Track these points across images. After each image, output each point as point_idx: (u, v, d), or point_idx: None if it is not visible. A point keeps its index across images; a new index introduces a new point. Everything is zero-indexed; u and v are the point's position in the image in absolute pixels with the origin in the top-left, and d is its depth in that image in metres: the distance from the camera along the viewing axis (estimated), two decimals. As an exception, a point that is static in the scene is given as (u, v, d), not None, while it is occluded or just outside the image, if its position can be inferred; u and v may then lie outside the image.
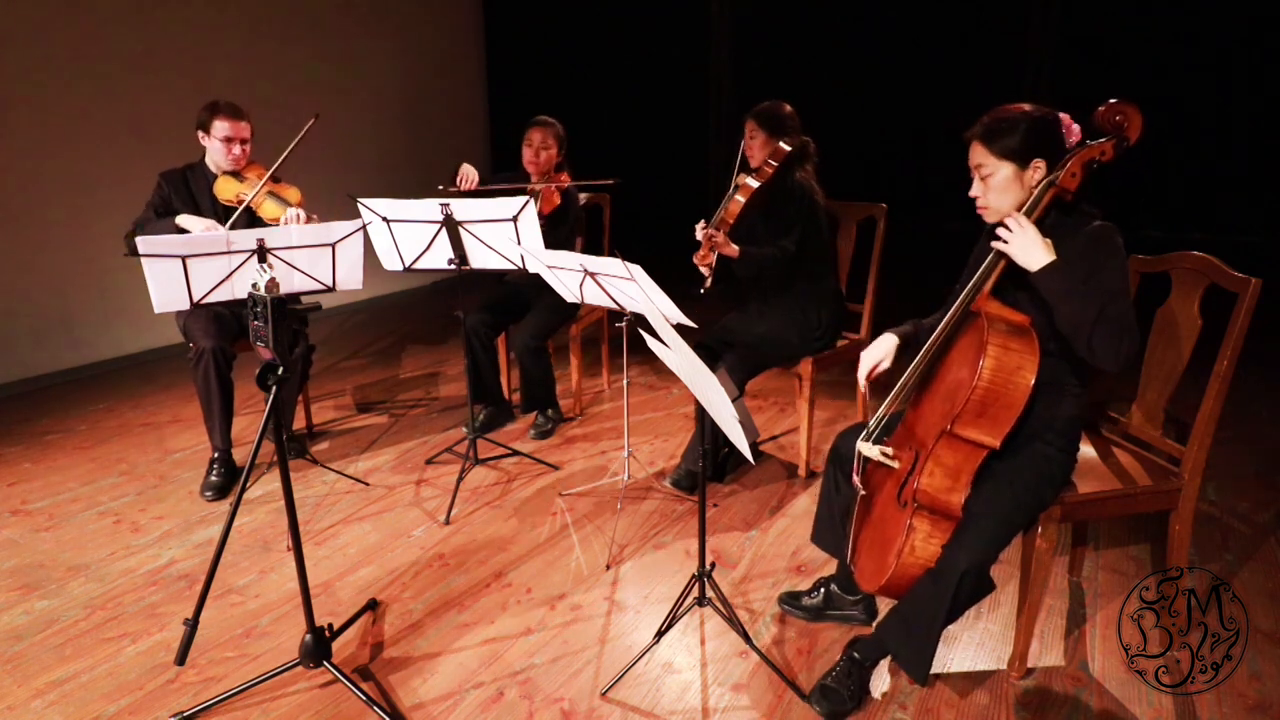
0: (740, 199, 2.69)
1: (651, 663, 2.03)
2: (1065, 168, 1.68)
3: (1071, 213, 1.75)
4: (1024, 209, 1.71)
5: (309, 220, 2.89)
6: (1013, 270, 1.72)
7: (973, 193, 1.81)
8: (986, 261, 1.75)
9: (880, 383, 2.00)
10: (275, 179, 2.99)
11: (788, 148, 2.71)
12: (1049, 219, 1.73)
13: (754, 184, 2.69)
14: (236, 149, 2.94)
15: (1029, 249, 1.66)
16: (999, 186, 1.75)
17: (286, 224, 2.87)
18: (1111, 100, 1.68)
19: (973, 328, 1.69)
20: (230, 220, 2.89)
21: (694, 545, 2.56)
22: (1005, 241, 1.69)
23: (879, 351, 1.96)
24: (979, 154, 1.76)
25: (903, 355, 2.00)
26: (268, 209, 2.92)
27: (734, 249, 2.65)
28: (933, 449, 1.69)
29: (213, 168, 3.01)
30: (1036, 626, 2.12)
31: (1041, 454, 1.79)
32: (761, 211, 2.77)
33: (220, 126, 2.90)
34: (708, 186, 8.08)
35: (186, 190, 2.99)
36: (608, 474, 3.10)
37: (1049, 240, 1.67)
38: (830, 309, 2.93)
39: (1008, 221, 1.69)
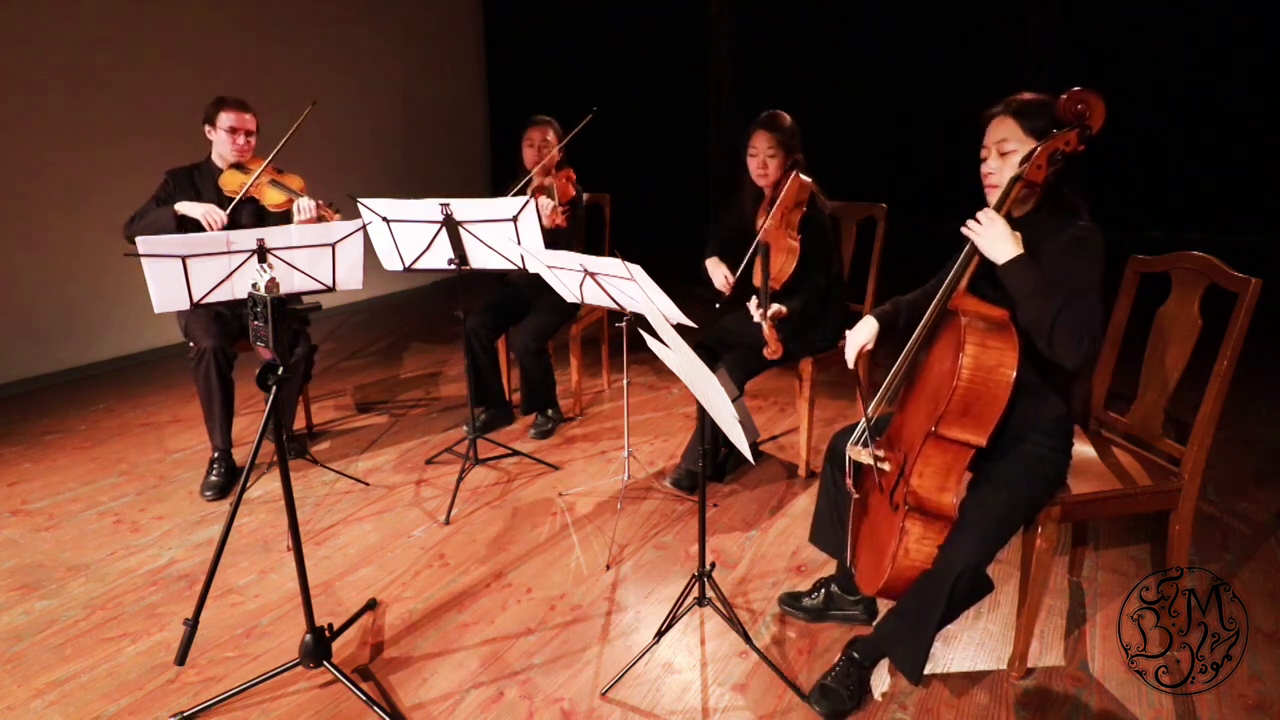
0: (790, 265, 2.67)
1: (651, 663, 2.03)
2: (1031, 160, 1.67)
3: (1057, 211, 1.74)
4: (994, 203, 1.71)
5: (321, 208, 2.93)
6: (988, 266, 1.72)
7: (986, 169, 1.80)
8: (962, 255, 1.75)
9: (871, 383, 2.00)
10: (278, 169, 3.03)
11: (807, 179, 2.72)
12: (1039, 216, 1.72)
13: (796, 244, 2.68)
14: (241, 139, 2.98)
15: (996, 242, 1.66)
16: (1017, 164, 1.74)
17: (299, 211, 2.92)
18: (1074, 89, 1.65)
19: (950, 326, 1.69)
20: (230, 206, 2.92)
21: (694, 545, 2.56)
22: (975, 233, 1.69)
23: (863, 334, 2.00)
24: (1007, 128, 1.74)
25: (886, 337, 2.03)
26: (270, 195, 2.96)
27: (785, 311, 2.65)
28: (920, 450, 1.68)
29: (219, 161, 3.04)
30: (1036, 626, 2.12)
31: (1032, 454, 1.79)
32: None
33: (225, 118, 2.95)
34: (708, 187, 8.07)
35: (192, 187, 3.02)
36: (608, 474, 3.10)
37: (1018, 234, 1.66)
38: (836, 312, 2.93)
39: (978, 215, 1.69)
